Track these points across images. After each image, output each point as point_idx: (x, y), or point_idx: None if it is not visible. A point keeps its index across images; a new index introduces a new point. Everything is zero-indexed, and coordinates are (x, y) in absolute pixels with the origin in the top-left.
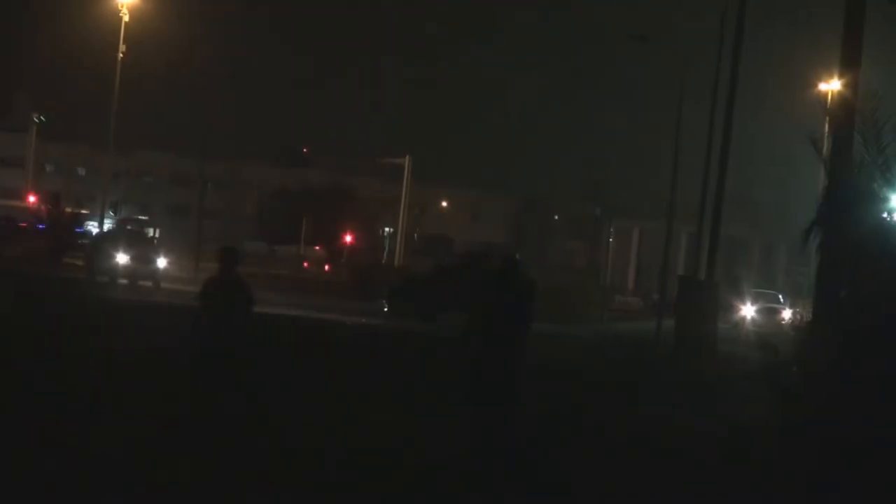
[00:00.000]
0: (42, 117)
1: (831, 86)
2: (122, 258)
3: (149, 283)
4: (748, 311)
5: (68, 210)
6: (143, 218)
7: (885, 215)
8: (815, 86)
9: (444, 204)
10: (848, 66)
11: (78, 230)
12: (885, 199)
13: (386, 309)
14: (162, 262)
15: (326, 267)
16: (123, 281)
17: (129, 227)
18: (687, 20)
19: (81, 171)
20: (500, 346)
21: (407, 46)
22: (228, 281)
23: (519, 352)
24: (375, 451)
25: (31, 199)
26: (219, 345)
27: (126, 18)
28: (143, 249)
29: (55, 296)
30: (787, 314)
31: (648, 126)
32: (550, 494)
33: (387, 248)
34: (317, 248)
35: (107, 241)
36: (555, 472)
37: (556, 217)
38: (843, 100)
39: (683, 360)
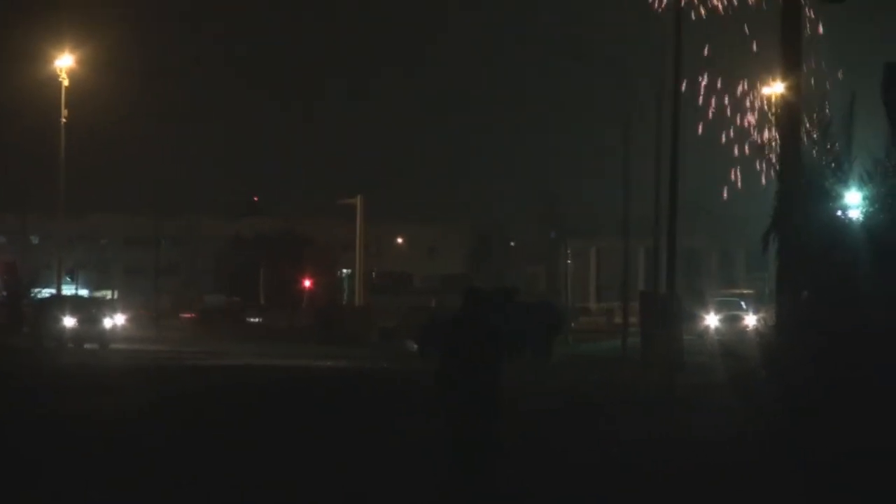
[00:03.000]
0: None
1: (774, 89)
2: (68, 321)
3: (96, 346)
4: (712, 320)
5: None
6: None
7: (838, 212)
8: (758, 89)
9: (400, 241)
10: (789, 69)
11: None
12: (838, 197)
13: (417, 350)
14: (108, 323)
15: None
16: (70, 345)
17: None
18: (628, 32)
19: (35, 240)
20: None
21: (344, 81)
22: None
23: (495, 377)
24: None
25: None
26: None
27: (66, 83)
28: (88, 311)
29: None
30: (750, 320)
31: (596, 145)
32: None
33: (346, 290)
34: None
35: (52, 306)
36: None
37: (513, 244)
38: (786, 103)
39: (651, 375)
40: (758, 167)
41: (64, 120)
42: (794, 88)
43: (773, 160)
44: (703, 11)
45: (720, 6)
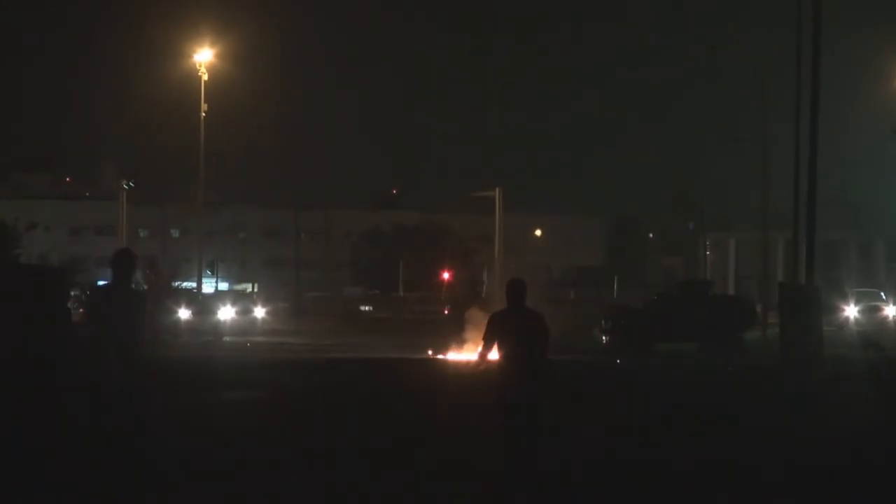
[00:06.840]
0: (131, 183)
1: None
2: (182, 314)
3: (210, 338)
4: (851, 311)
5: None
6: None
7: None
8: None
9: (538, 232)
10: None
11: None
12: None
13: (604, 341)
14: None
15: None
16: (183, 338)
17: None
18: (764, 23)
19: (175, 233)
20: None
21: (479, 76)
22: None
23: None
24: None
25: None
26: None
27: (205, 77)
28: (202, 304)
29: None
30: (890, 311)
31: (736, 135)
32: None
33: (486, 282)
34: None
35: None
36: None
37: (651, 235)
38: None
39: (790, 367)
40: None
41: (203, 114)
42: None
43: None
44: None
45: None
